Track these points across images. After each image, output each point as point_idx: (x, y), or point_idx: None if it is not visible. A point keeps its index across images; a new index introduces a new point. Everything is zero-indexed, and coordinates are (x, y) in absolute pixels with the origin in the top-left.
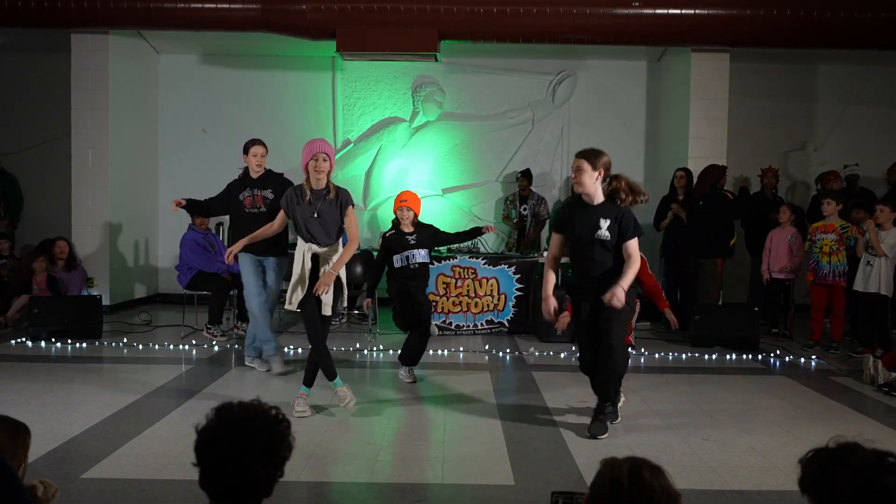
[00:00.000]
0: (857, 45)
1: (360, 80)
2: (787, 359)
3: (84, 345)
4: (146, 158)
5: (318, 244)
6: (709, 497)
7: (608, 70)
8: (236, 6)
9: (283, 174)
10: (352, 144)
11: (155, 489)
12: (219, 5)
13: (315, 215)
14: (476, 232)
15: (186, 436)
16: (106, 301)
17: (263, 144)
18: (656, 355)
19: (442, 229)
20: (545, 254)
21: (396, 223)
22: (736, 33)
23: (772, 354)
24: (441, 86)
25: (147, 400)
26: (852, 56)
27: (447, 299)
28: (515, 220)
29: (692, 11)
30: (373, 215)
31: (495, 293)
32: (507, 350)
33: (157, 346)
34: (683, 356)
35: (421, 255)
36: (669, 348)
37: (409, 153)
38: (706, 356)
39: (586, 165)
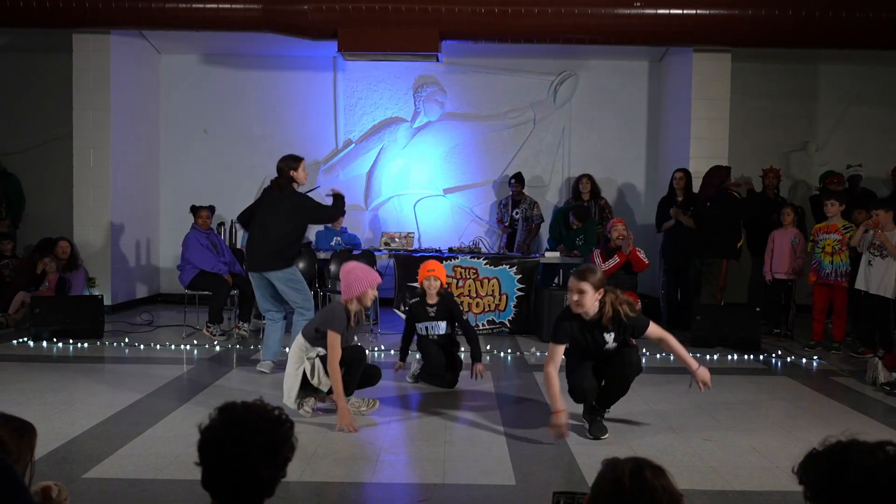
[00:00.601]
0: (858, 45)
1: (361, 81)
2: (788, 359)
3: (86, 345)
4: (147, 158)
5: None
6: (710, 497)
7: (609, 70)
8: (237, 6)
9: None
10: (353, 144)
11: (156, 489)
12: (220, 5)
13: (348, 339)
14: (474, 358)
15: (188, 435)
16: (107, 301)
17: (302, 159)
18: (657, 355)
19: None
20: (547, 254)
21: (422, 292)
22: (737, 33)
23: (773, 355)
24: (442, 86)
25: (148, 400)
26: (853, 56)
27: None
28: (507, 224)
29: (693, 11)
30: (374, 216)
31: (497, 293)
32: (509, 350)
33: (158, 346)
34: None
35: (441, 327)
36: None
37: (410, 153)
38: (707, 356)
39: (589, 288)
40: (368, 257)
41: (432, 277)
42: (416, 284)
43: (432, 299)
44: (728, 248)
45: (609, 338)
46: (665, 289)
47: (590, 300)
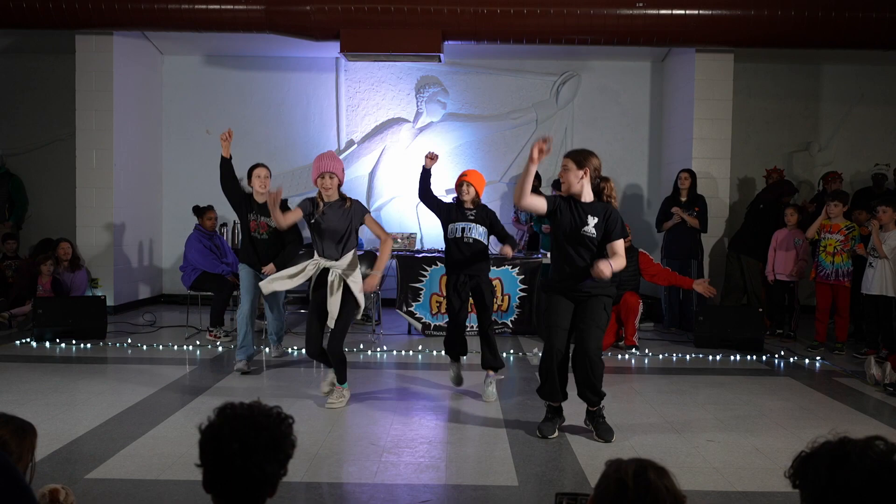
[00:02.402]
0: (862, 45)
1: (363, 81)
2: (791, 360)
3: (88, 345)
4: (150, 159)
5: (326, 257)
6: (713, 498)
7: (612, 71)
8: (240, 7)
9: (287, 201)
10: (355, 145)
11: (159, 489)
12: (223, 6)
13: (331, 226)
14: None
15: (191, 436)
16: (110, 302)
17: (266, 167)
18: (660, 356)
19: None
20: (549, 255)
21: (457, 198)
22: (740, 34)
23: (776, 355)
24: (444, 86)
25: (151, 400)
26: (856, 56)
27: None
28: (527, 221)
29: (696, 12)
30: (377, 216)
31: (499, 294)
32: (511, 351)
33: (161, 347)
34: (687, 357)
35: (478, 231)
36: (673, 349)
37: (412, 154)
38: (710, 357)
39: (571, 164)
40: (370, 258)
41: (465, 183)
42: (418, 285)
43: (469, 204)
44: (764, 252)
45: (591, 221)
46: (667, 290)
47: (573, 177)
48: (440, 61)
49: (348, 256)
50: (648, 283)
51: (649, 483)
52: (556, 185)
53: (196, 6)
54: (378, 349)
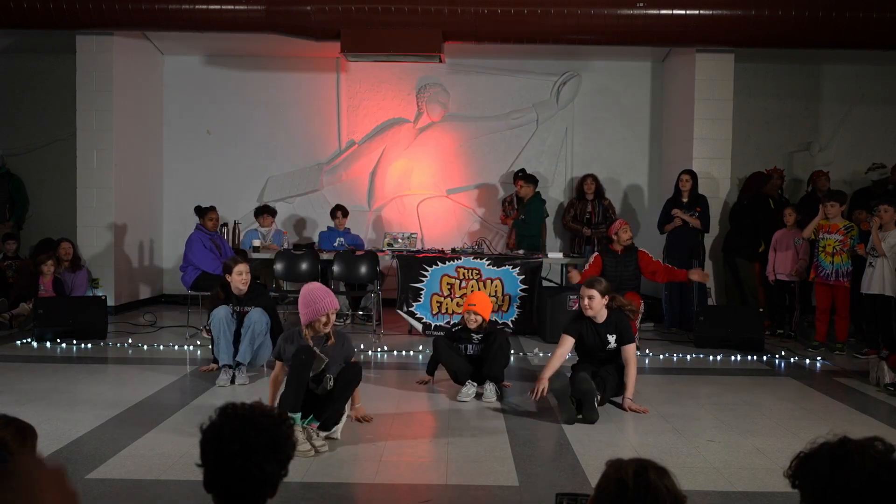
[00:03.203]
0: (862, 45)
1: (364, 81)
2: (792, 360)
3: (89, 345)
4: (151, 159)
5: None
6: (714, 498)
7: (612, 71)
8: (241, 7)
9: (265, 287)
10: (356, 145)
11: (160, 489)
12: (223, 6)
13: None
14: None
15: (191, 436)
16: (111, 302)
17: (246, 262)
18: (661, 356)
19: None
20: (550, 255)
21: (463, 322)
22: (740, 34)
23: (777, 355)
24: (445, 87)
25: (152, 400)
26: (857, 56)
27: (451, 300)
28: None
29: (696, 12)
30: (377, 217)
31: (500, 294)
32: (511, 351)
33: (161, 347)
34: (688, 357)
35: (479, 349)
36: (674, 349)
37: (413, 154)
38: (711, 357)
39: (596, 294)
40: (371, 258)
41: (472, 312)
42: (419, 285)
43: (473, 326)
44: (755, 251)
45: (611, 339)
46: (668, 290)
47: (598, 304)
48: (441, 61)
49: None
50: (649, 283)
51: (650, 483)
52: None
53: (196, 6)
54: (378, 349)
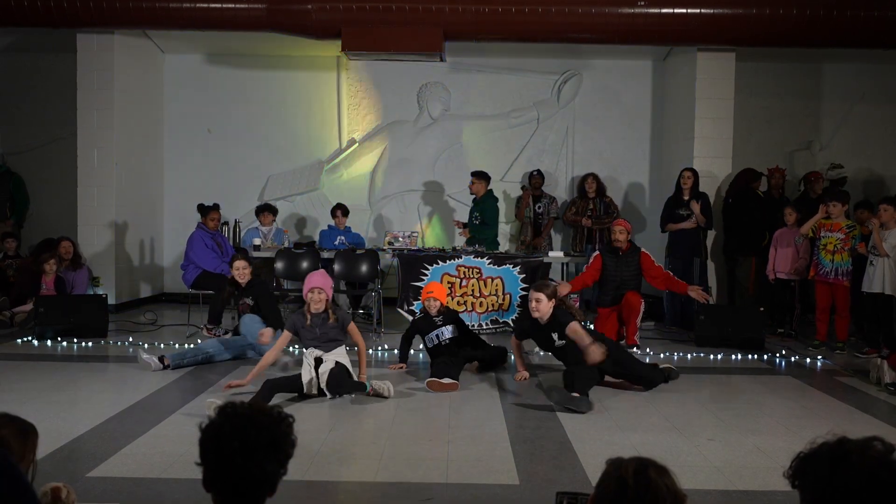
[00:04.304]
0: (863, 44)
1: (365, 80)
2: (792, 359)
3: (90, 343)
4: (151, 158)
5: (321, 350)
6: (714, 497)
7: (613, 70)
8: (242, 6)
9: (263, 280)
10: (357, 144)
11: (160, 488)
12: (224, 5)
13: (317, 334)
14: (499, 356)
15: (192, 434)
16: (111, 300)
17: (247, 259)
18: (661, 355)
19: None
20: (550, 254)
21: (424, 310)
22: (741, 33)
23: (777, 354)
24: (446, 85)
25: (153, 399)
26: (858, 55)
27: (452, 299)
28: (530, 219)
29: (698, 11)
30: (378, 216)
31: (500, 293)
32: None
33: (162, 345)
34: (688, 356)
35: (448, 330)
36: (674, 348)
37: (413, 153)
38: (711, 356)
39: (543, 297)
40: (372, 256)
41: (431, 298)
42: (420, 284)
43: (434, 312)
44: (754, 246)
45: (555, 337)
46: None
47: (545, 307)
48: (442, 60)
49: (339, 350)
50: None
51: (650, 482)
52: (539, 173)
53: (197, 5)
54: (379, 347)
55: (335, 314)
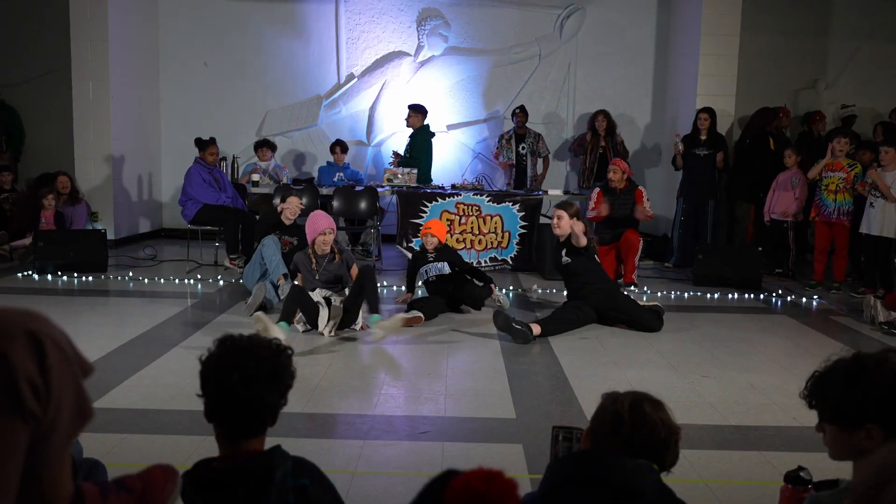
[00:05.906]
0: None
1: (364, 13)
2: (788, 298)
3: (90, 278)
4: (147, 91)
5: (328, 290)
6: (707, 432)
7: (617, 4)
8: None
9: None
10: (356, 79)
11: (163, 419)
12: None
13: (322, 275)
14: (486, 288)
15: (194, 367)
16: (110, 235)
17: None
18: (658, 293)
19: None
20: (550, 191)
21: (423, 247)
22: None
23: (773, 294)
24: (447, 19)
25: (154, 333)
26: None
27: (451, 236)
28: (508, 160)
29: None
30: (377, 151)
31: (499, 230)
32: (511, 287)
33: (162, 281)
34: (685, 294)
35: (437, 267)
36: (672, 287)
37: (413, 88)
38: (708, 295)
39: (565, 215)
40: (371, 193)
41: (429, 235)
42: (418, 221)
43: (430, 248)
44: (763, 189)
45: (563, 252)
46: (682, 228)
47: (565, 223)
48: None
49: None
50: (649, 221)
51: (645, 415)
52: (522, 109)
53: None
54: (378, 284)
55: (341, 253)
